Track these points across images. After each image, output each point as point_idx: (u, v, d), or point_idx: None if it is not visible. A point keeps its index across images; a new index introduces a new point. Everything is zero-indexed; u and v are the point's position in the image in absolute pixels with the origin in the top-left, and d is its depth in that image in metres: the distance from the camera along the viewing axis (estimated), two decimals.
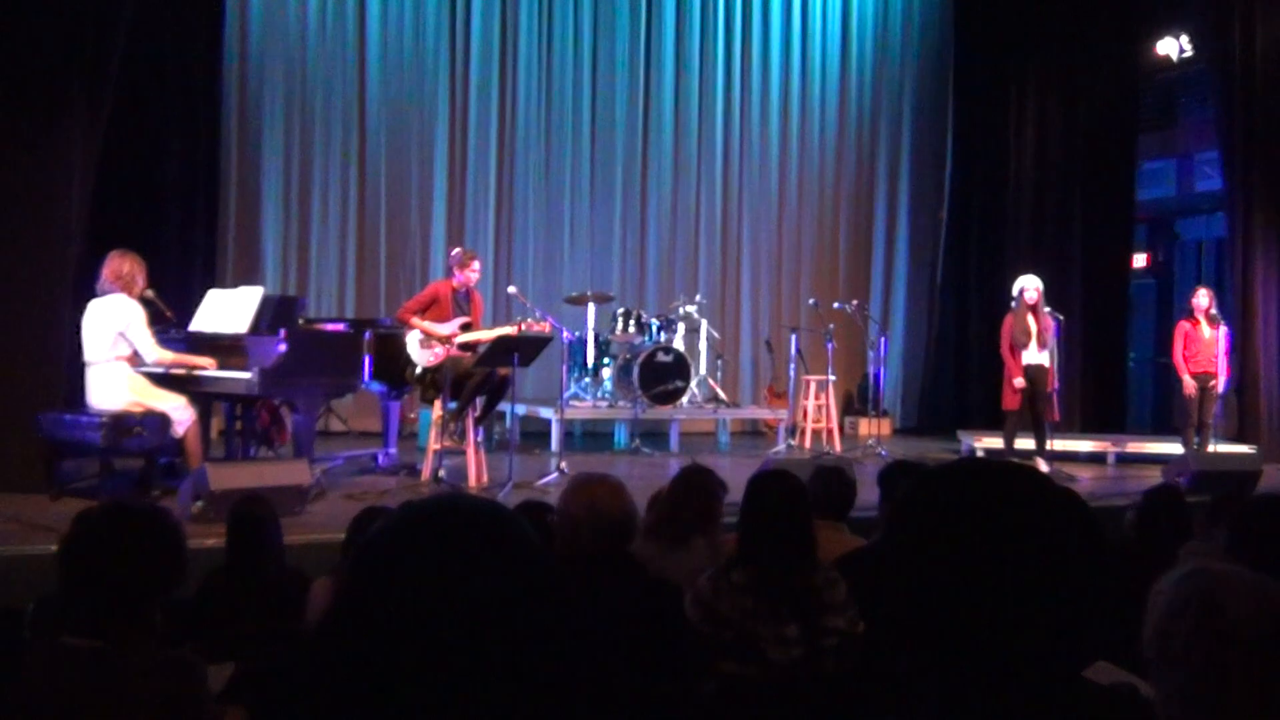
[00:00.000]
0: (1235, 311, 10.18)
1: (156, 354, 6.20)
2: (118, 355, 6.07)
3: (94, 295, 6.17)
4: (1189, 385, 8.97)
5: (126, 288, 6.12)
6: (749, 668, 2.80)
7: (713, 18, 11.91)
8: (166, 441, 6.12)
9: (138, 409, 6.03)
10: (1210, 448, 8.97)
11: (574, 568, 2.82)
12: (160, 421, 6.04)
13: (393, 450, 7.88)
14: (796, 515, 2.98)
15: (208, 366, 6.44)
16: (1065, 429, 9.68)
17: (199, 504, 5.43)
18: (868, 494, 4.59)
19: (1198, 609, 1.61)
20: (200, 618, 3.41)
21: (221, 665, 2.70)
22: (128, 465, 6.42)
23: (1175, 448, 9.19)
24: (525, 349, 6.89)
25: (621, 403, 9.72)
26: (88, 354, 6.12)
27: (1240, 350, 10.08)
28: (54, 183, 6.64)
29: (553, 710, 1.04)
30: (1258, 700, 1.56)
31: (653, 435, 10.04)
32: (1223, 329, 9.09)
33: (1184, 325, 9.13)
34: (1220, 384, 9.08)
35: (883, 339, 10.48)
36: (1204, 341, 8.97)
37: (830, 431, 10.09)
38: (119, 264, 6.14)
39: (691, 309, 10.27)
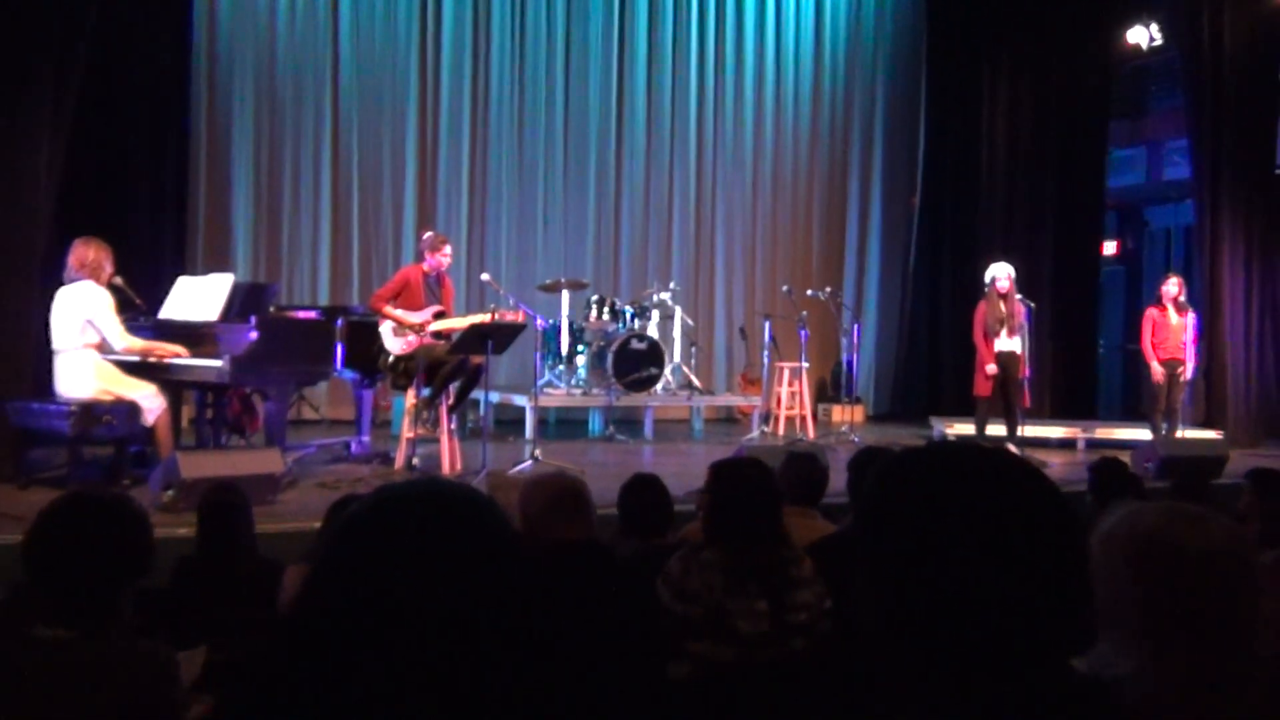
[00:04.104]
0: (1203, 299, 10.30)
1: (125, 341, 6.14)
2: (86, 343, 6.01)
3: (62, 283, 6.10)
4: (1157, 372, 9.06)
5: (94, 275, 6.06)
6: (720, 646, 2.82)
7: (685, 4, 11.88)
8: (136, 430, 6.07)
9: (107, 397, 5.98)
10: (1178, 434, 9.07)
11: (543, 556, 2.84)
12: (130, 410, 5.99)
13: (366, 438, 7.85)
14: (759, 499, 3.00)
15: (178, 354, 6.38)
16: (1036, 415, 9.76)
17: (170, 493, 5.39)
18: (840, 480, 4.62)
19: (1146, 546, 1.61)
20: (172, 607, 3.40)
21: (193, 651, 2.69)
22: (98, 454, 6.36)
23: (1144, 434, 9.29)
24: (498, 336, 6.87)
25: (595, 390, 9.72)
26: (56, 342, 6.05)
27: (1208, 337, 10.20)
28: (22, 169, 6.56)
29: (525, 695, 1.04)
30: (1212, 626, 1.56)
31: (627, 422, 10.06)
32: (1190, 316, 9.18)
33: (1152, 312, 9.22)
34: (1188, 371, 9.18)
35: (856, 326, 10.52)
36: (1172, 328, 9.06)
37: (804, 418, 10.13)
38: (84, 251, 6.07)
39: (665, 296, 10.28)
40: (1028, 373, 8.71)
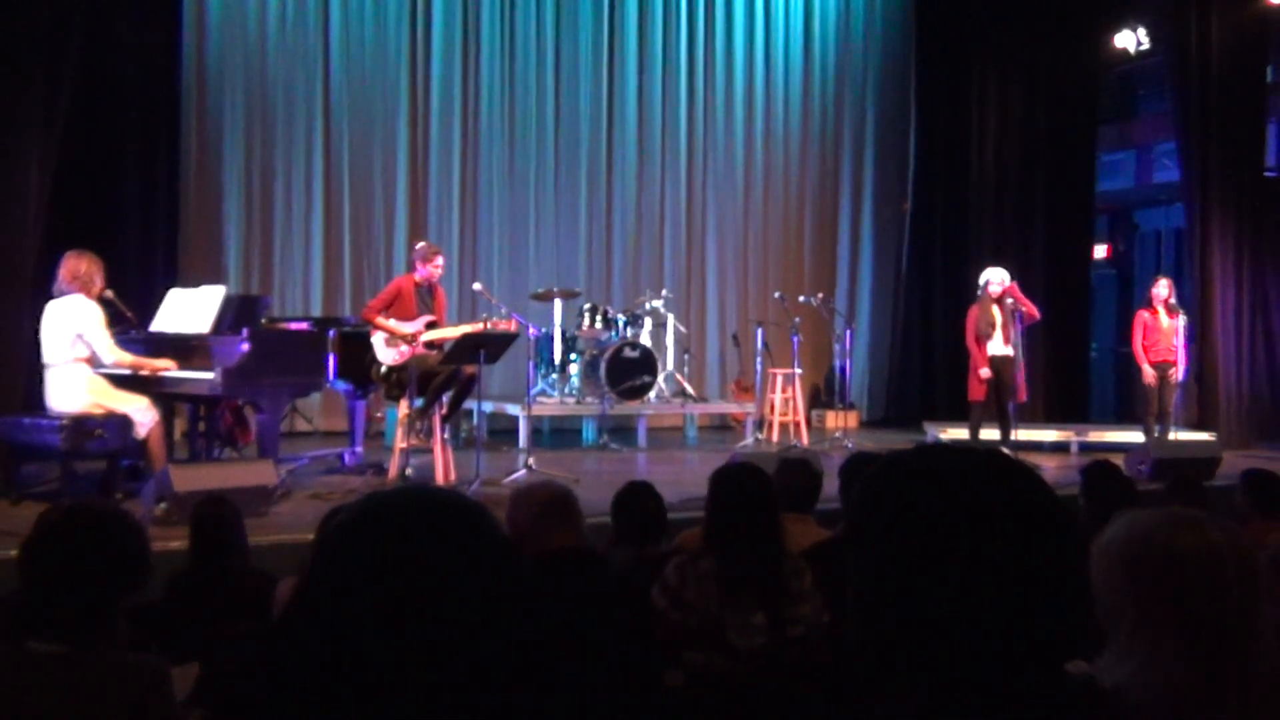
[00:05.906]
0: (1194, 301, 10.33)
1: (114, 355, 6.11)
2: (76, 357, 5.98)
3: (52, 297, 6.08)
4: (1148, 374, 9.08)
5: (84, 288, 6.03)
6: (715, 657, 2.82)
7: (675, 11, 11.90)
8: (129, 443, 6.04)
9: (98, 411, 5.95)
10: (1171, 436, 9.09)
11: (533, 564, 2.83)
12: (122, 423, 5.96)
13: (359, 449, 7.83)
14: (760, 507, 2.99)
15: (167, 368, 6.36)
16: (1029, 419, 9.77)
17: (162, 506, 5.37)
18: (834, 486, 4.62)
19: (1141, 550, 1.61)
20: (165, 621, 3.38)
21: (186, 667, 2.68)
22: (90, 468, 6.33)
23: (1137, 436, 9.30)
24: (491, 346, 6.86)
25: (589, 399, 9.71)
26: (46, 356, 6.03)
27: (1199, 339, 10.23)
28: (12, 182, 6.56)
29: (517, 704, 1.03)
30: (1207, 628, 1.56)
31: (621, 431, 10.05)
32: (1181, 318, 9.21)
33: (1143, 315, 9.24)
34: (1179, 372, 9.20)
35: (848, 332, 10.53)
36: (1163, 331, 9.09)
37: (797, 424, 10.13)
38: (75, 264, 6.04)
39: (658, 304, 10.28)
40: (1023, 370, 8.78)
